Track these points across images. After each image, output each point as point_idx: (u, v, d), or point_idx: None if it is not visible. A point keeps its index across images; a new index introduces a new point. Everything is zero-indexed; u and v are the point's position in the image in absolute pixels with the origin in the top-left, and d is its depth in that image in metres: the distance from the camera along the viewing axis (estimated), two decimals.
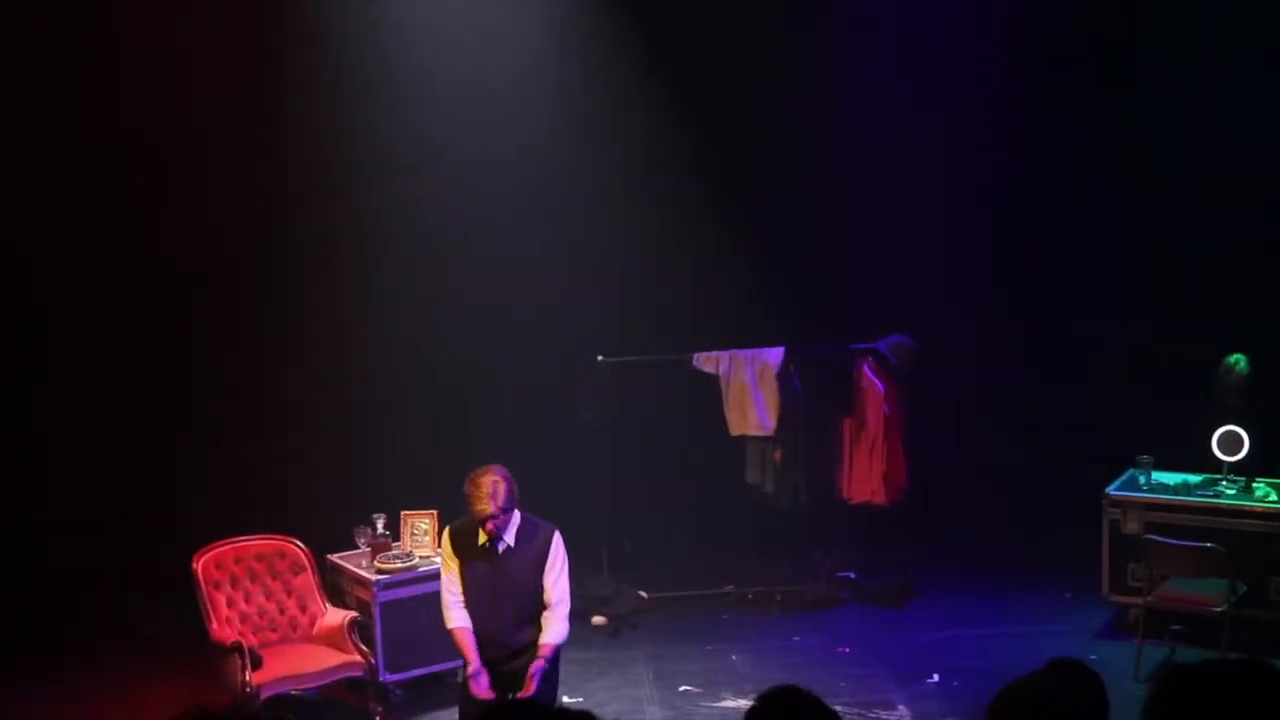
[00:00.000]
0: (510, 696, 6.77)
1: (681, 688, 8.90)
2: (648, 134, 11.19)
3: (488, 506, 6.68)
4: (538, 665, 6.78)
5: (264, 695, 7.90)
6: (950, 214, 11.61)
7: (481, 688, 6.77)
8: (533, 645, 6.87)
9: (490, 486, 6.68)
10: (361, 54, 10.77)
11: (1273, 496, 9.10)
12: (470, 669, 6.84)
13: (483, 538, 6.86)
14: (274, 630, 8.59)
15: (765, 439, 10.33)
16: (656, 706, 8.63)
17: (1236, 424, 9.18)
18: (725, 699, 8.69)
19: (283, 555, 8.71)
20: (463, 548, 6.93)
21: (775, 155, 11.46)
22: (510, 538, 6.86)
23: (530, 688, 6.72)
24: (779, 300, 11.21)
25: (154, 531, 9.92)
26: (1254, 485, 9.22)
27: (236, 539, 8.64)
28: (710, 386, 10.43)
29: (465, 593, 6.93)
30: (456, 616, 6.93)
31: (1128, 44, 11.15)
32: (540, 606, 6.92)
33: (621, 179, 11.31)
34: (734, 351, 10.44)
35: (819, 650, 9.53)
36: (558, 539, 6.96)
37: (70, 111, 10.27)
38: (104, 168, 10.35)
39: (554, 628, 6.90)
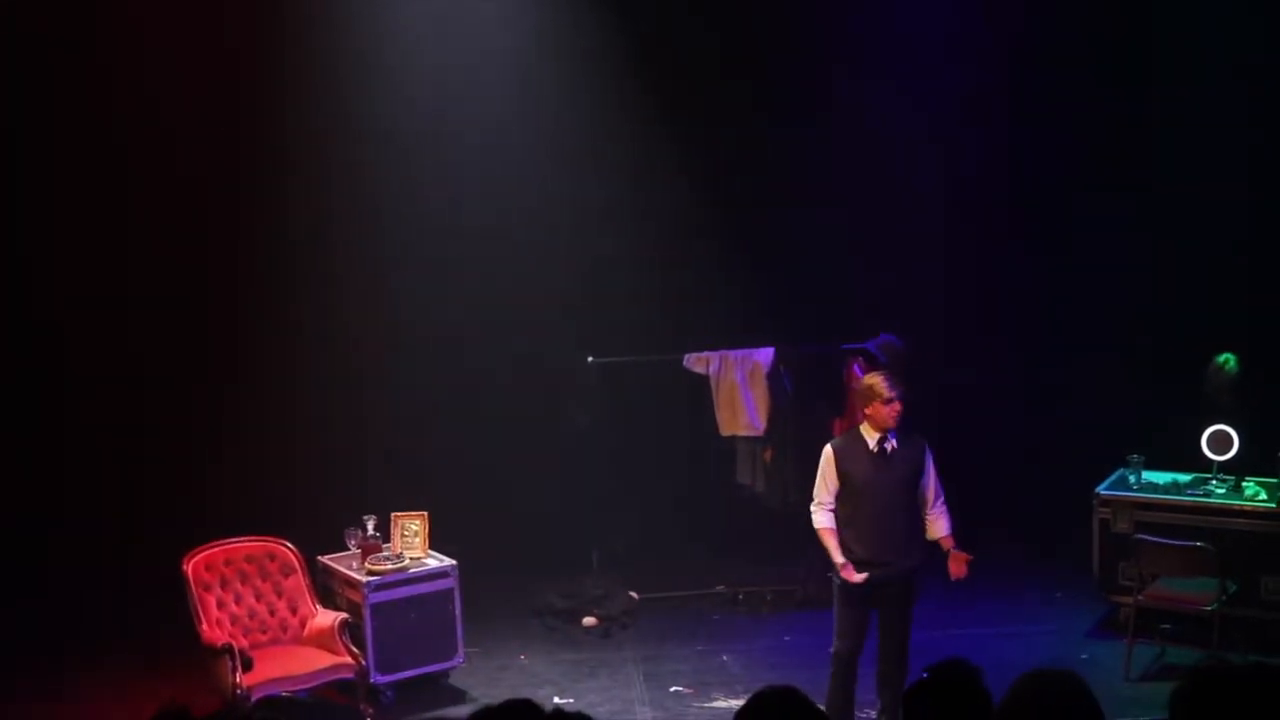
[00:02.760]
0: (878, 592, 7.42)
1: (673, 688, 8.93)
2: (644, 134, 11.17)
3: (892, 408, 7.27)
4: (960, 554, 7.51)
5: (254, 697, 7.94)
6: (950, 214, 11.57)
7: (852, 572, 7.31)
8: (908, 547, 7.43)
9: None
10: (361, 55, 10.84)
11: (1262, 495, 9.06)
12: (839, 560, 7.35)
13: (873, 442, 7.34)
14: (264, 632, 8.63)
15: (756, 439, 10.35)
16: (648, 707, 8.65)
17: (1226, 423, 9.15)
18: (716, 699, 8.72)
19: (273, 557, 8.75)
20: (847, 458, 7.39)
21: (773, 155, 11.44)
22: (894, 439, 7.38)
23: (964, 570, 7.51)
24: (773, 300, 11.22)
25: (154, 532, 9.93)
26: (1243, 484, 9.18)
27: (226, 541, 8.68)
28: (701, 387, 10.45)
29: (851, 501, 7.37)
30: (824, 519, 7.44)
31: (1128, 44, 11.11)
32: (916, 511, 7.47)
33: (615, 179, 11.30)
34: (724, 352, 10.45)
35: (810, 650, 9.40)
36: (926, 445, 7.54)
37: (70, 111, 10.34)
38: (104, 168, 10.42)
39: (947, 518, 7.56)
